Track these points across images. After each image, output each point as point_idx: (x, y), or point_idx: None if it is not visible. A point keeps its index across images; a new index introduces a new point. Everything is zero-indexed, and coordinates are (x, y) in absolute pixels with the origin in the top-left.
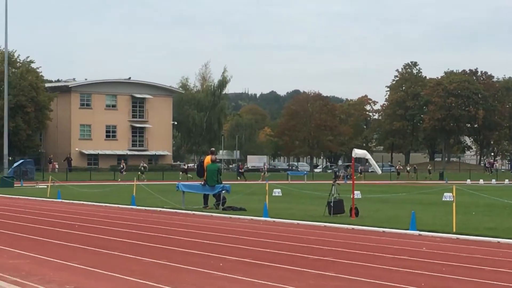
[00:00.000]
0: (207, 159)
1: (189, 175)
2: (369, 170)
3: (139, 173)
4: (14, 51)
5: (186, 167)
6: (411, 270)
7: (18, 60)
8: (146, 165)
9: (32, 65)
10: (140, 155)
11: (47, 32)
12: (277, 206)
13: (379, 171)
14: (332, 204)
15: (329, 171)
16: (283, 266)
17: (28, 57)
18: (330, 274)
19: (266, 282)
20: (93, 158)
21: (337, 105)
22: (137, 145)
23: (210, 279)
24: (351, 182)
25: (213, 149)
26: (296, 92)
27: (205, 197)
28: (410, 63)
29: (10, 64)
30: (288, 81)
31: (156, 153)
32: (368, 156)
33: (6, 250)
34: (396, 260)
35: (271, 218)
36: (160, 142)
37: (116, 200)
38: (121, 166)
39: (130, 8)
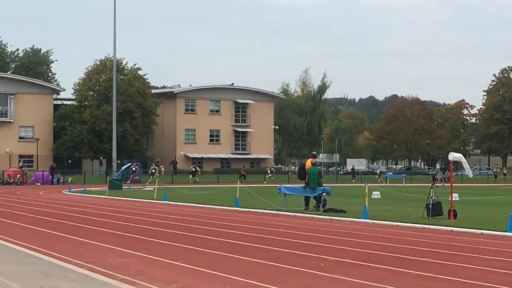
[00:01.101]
0: (308, 162)
1: (196, 178)
2: (461, 173)
3: (191, 176)
4: (122, 58)
5: (194, 169)
6: (509, 272)
7: (126, 67)
8: (197, 168)
9: (139, 72)
10: (242, 159)
11: (153, 40)
12: (376, 208)
13: (470, 174)
14: (430, 206)
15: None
16: (383, 266)
17: (135, 64)
18: (429, 274)
19: (366, 282)
20: (198, 162)
21: (435, 110)
22: (240, 149)
23: (312, 279)
24: (449, 184)
25: (315, 152)
26: (394, 97)
27: (306, 199)
28: (507, 68)
29: (119, 71)
30: (386, 86)
31: (258, 157)
32: (463, 159)
33: (116, 250)
34: (493, 261)
35: (371, 219)
36: (262, 146)
37: (220, 202)
38: (152, 169)
39: (233, 17)
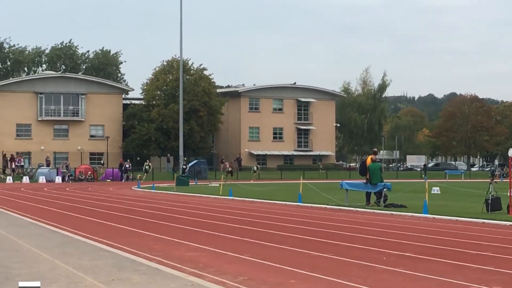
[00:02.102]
0: (369, 158)
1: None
2: None
3: (252, 172)
4: (188, 59)
5: (256, 168)
6: None
7: (192, 68)
8: (257, 166)
9: (205, 72)
10: (305, 156)
11: (218, 41)
12: (436, 203)
13: None
14: (489, 201)
15: (486, 169)
16: (444, 260)
17: (201, 65)
18: (489, 268)
19: (427, 276)
20: (261, 158)
21: (493, 107)
22: (302, 146)
23: (374, 272)
24: (508, 180)
25: (375, 149)
26: (453, 94)
27: (368, 194)
28: None
29: (185, 71)
30: (445, 84)
31: (320, 153)
32: None
33: (184, 244)
34: None
35: (431, 214)
36: (324, 143)
37: (283, 198)
38: (146, 166)
39: (294, 18)
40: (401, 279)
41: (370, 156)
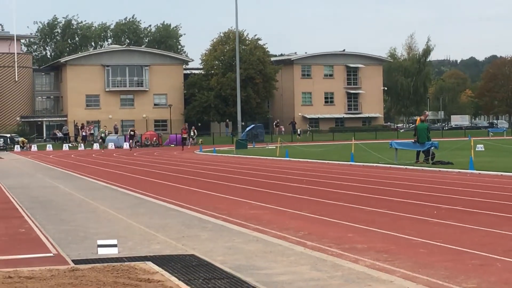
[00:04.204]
0: (418, 119)
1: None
2: None
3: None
4: (243, 30)
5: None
6: None
7: (247, 38)
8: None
9: (259, 42)
10: (355, 118)
11: (270, 12)
12: (481, 160)
13: None
14: None
15: None
16: (491, 212)
17: (255, 35)
18: None
19: (477, 227)
20: (314, 121)
21: None
22: (352, 109)
23: (427, 225)
24: None
25: (426, 111)
26: (494, 57)
27: (417, 153)
28: None
29: (241, 42)
30: (486, 47)
31: (369, 116)
32: None
33: (248, 203)
34: None
35: (477, 170)
36: (372, 106)
37: (336, 157)
38: (130, 134)
39: None
40: (452, 231)
41: (419, 117)
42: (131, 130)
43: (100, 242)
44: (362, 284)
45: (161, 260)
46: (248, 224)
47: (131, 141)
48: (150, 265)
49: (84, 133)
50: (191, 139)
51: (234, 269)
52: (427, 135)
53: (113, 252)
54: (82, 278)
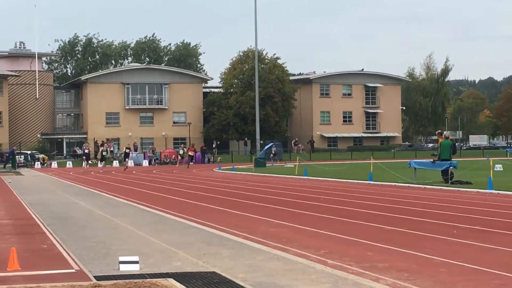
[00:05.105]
0: (441, 138)
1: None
2: None
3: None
4: (262, 49)
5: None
6: None
7: (266, 57)
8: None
9: (278, 61)
10: (373, 137)
11: (289, 31)
12: (500, 180)
13: None
14: None
15: None
16: (511, 232)
17: (274, 54)
18: None
19: (497, 247)
20: (332, 140)
21: None
22: (370, 128)
23: (446, 245)
24: None
25: (446, 132)
26: None
27: (442, 171)
28: None
29: (260, 60)
30: (504, 68)
31: (387, 135)
32: None
33: (267, 220)
34: None
35: (496, 190)
36: (391, 125)
37: (355, 176)
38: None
39: (358, 7)
40: (472, 251)
41: (441, 136)
42: (126, 148)
43: (122, 258)
44: None
45: (183, 277)
46: (268, 242)
47: (126, 159)
48: (172, 281)
49: (104, 153)
50: (211, 156)
51: (255, 287)
52: (449, 152)
53: (135, 268)
54: None
